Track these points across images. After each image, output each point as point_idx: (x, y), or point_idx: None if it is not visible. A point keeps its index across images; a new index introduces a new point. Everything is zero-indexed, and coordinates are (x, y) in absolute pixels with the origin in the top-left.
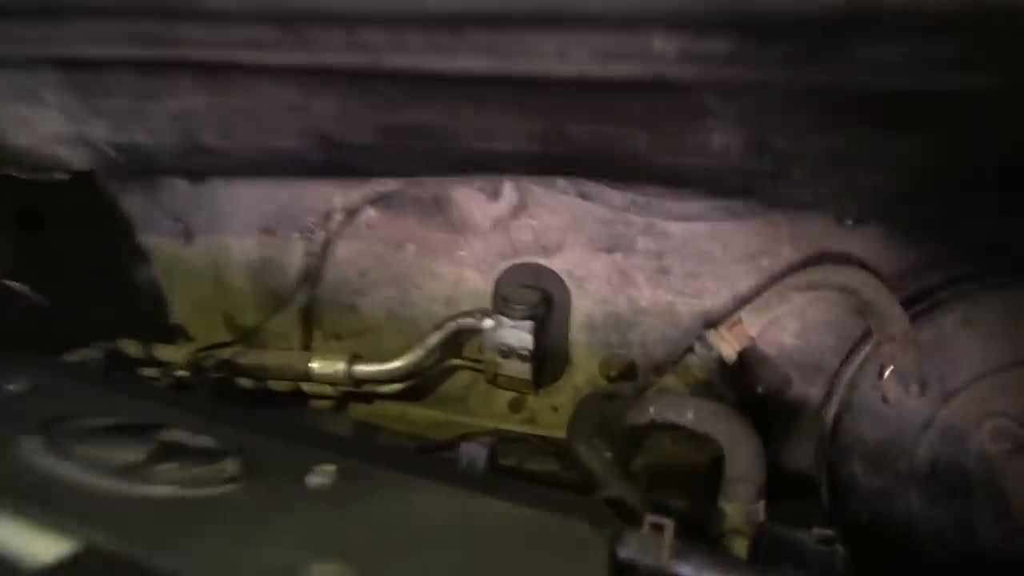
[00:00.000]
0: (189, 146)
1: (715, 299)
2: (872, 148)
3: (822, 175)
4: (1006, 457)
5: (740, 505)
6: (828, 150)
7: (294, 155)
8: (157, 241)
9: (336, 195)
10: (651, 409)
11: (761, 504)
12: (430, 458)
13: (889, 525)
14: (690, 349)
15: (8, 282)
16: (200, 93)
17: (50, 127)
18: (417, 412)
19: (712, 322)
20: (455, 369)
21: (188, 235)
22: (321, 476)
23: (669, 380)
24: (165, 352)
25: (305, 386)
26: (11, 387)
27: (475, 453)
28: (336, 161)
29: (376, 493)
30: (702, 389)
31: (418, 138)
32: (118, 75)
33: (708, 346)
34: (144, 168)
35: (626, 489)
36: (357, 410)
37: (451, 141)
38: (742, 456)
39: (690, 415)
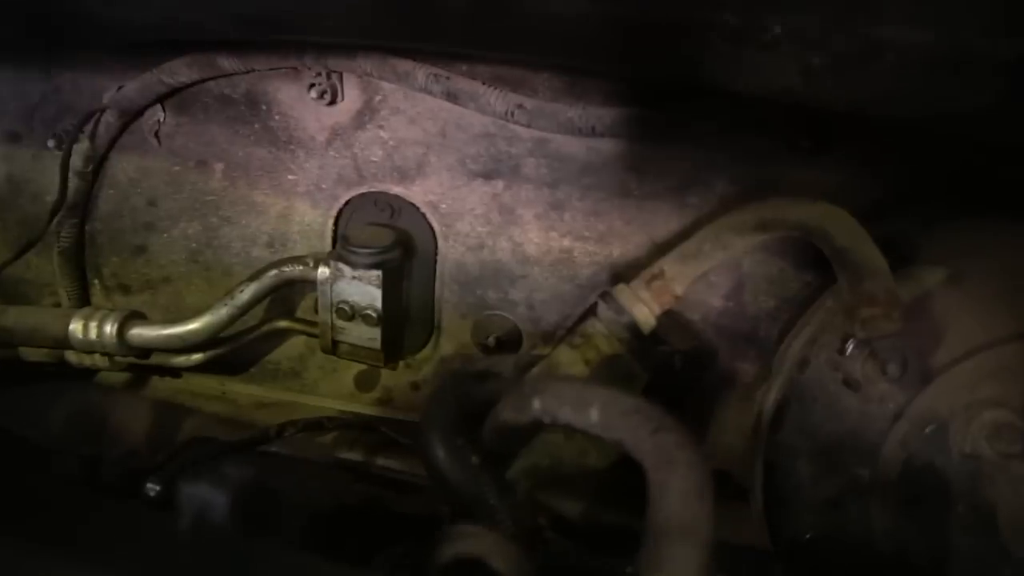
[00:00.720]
0: None
1: (626, 245)
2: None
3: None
4: (1002, 460)
5: None
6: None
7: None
8: None
9: (106, 86)
10: (535, 402)
11: None
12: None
13: (842, 546)
14: (592, 311)
15: None
16: None
17: None
18: (238, 388)
19: (621, 275)
20: (287, 334)
21: None
22: None
23: (563, 354)
24: None
25: (73, 356)
26: None
27: (206, 501)
28: (54, 10)
29: None
30: (608, 367)
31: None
32: None
33: (617, 307)
34: None
35: (497, 513)
36: (161, 385)
37: None
38: (679, 492)
39: (595, 415)
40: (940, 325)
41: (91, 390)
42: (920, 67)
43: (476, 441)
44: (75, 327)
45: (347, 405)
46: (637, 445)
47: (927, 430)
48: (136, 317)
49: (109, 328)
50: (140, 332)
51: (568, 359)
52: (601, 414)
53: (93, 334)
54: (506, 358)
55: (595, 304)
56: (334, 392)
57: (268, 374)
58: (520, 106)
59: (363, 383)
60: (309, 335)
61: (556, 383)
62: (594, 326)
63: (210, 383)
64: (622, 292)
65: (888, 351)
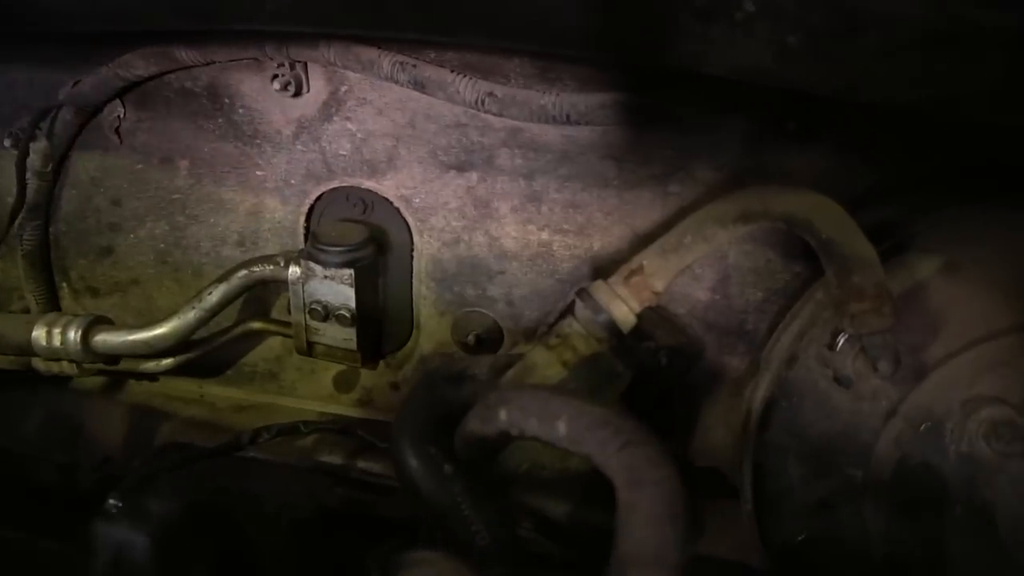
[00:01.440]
0: None
1: (607, 237)
2: None
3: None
4: (1001, 459)
5: None
6: None
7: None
8: None
9: (62, 81)
10: (501, 414)
11: None
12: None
13: (833, 549)
14: (569, 310)
15: None
16: None
17: None
18: (216, 391)
19: (603, 269)
20: (262, 336)
21: None
22: None
23: (539, 355)
24: None
25: (39, 363)
26: None
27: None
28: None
29: None
30: (587, 367)
31: None
32: None
33: (594, 305)
34: None
35: (472, 524)
36: (137, 388)
37: None
38: (647, 516)
39: (562, 428)
40: (934, 317)
41: (65, 395)
42: (908, 45)
43: (450, 448)
44: (38, 334)
45: (326, 406)
46: (605, 461)
47: (922, 428)
48: (101, 322)
49: (73, 335)
50: (105, 338)
51: (544, 360)
52: (568, 427)
53: (57, 341)
54: (482, 359)
55: (572, 302)
56: (313, 393)
57: (245, 376)
58: (491, 94)
59: (342, 384)
60: (284, 336)
61: (523, 394)
62: (571, 325)
63: (187, 386)
64: (599, 289)
65: (879, 347)
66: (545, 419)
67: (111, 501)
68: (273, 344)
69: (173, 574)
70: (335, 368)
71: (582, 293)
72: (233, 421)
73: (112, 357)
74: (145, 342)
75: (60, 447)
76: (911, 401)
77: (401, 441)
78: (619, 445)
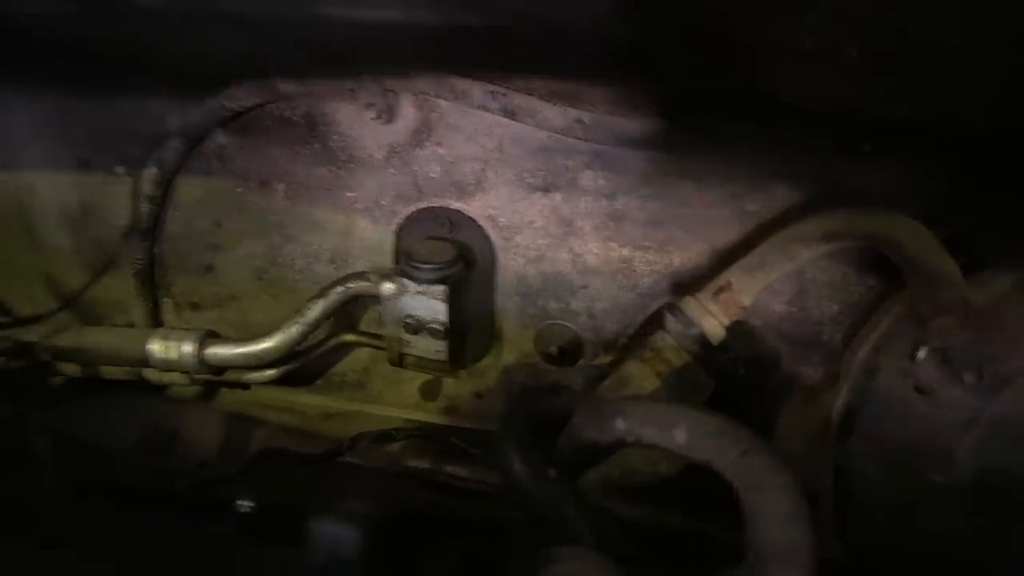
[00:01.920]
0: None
1: (686, 253)
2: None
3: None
4: None
5: None
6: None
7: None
8: None
9: (170, 112)
10: (618, 423)
11: None
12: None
13: (914, 551)
14: (657, 323)
15: None
16: None
17: None
18: (305, 399)
19: (682, 284)
20: (352, 347)
21: None
22: None
23: (632, 368)
24: None
25: (151, 373)
26: None
27: (340, 538)
28: (119, 41)
29: None
30: (677, 378)
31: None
32: None
33: (685, 319)
34: None
35: (577, 525)
36: (231, 397)
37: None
38: (776, 517)
39: (681, 437)
40: (1013, 331)
41: (163, 403)
42: (977, 76)
43: (551, 454)
44: (154, 347)
45: (412, 414)
46: (727, 467)
47: (1003, 436)
48: (212, 336)
49: (188, 348)
50: (216, 351)
51: (639, 372)
52: (688, 436)
53: (172, 354)
54: (574, 371)
55: (661, 316)
56: (398, 402)
57: (334, 385)
58: (579, 120)
59: (427, 393)
60: (376, 347)
61: (639, 404)
62: (663, 339)
63: (277, 394)
64: (690, 304)
65: (963, 358)
66: (664, 428)
67: (241, 502)
68: (361, 354)
69: None
70: (420, 378)
71: (673, 308)
72: (322, 428)
73: (220, 368)
74: (255, 355)
75: (158, 452)
76: (992, 410)
77: (506, 448)
78: (739, 452)
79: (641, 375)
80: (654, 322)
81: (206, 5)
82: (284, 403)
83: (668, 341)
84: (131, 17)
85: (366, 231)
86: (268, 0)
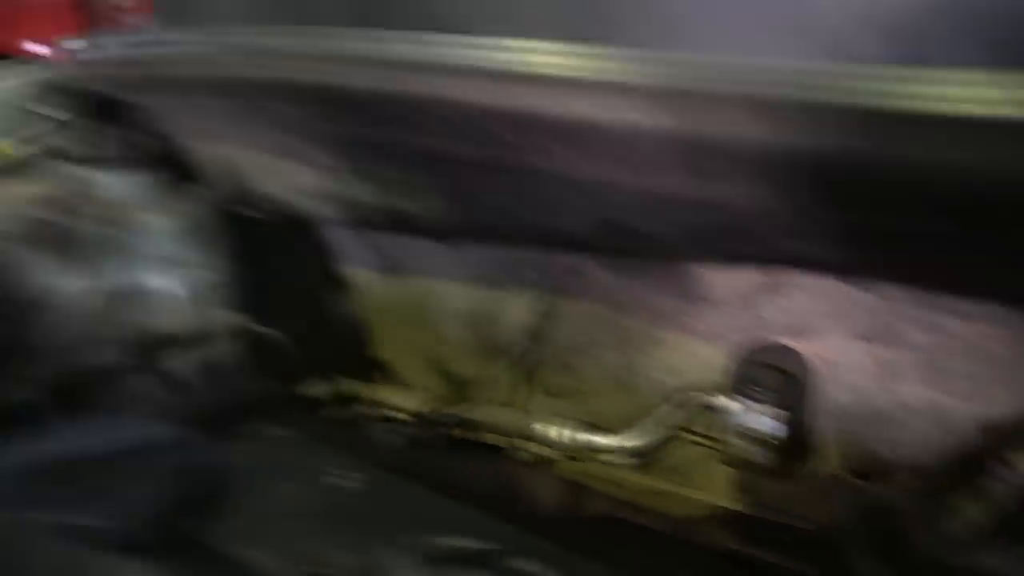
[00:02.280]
0: (457, 221)
1: (998, 407)
2: None
3: None
4: None
5: None
6: None
7: (568, 236)
8: (358, 272)
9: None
10: None
11: None
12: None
13: None
14: (982, 468)
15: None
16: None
17: (302, 180)
18: (633, 478)
19: (996, 432)
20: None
21: (393, 268)
22: None
23: (970, 508)
24: (388, 395)
25: (533, 447)
26: None
27: None
28: (606, 243)
29: None
30: (1007, 520)
31: (719, 235)
32: (399, 155)
33: (1013, 469)
34: (396, 225)
35: None
36: (564, 466)
37: (758, 242)
38: None
39: None
40: None
41: (507, 464)
42: None
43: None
44: (543, 428)
45: (729, 502)
46: None
47: None
48: (587, 424)
49: (568, 432)
50: (590, 438)
51: (974, 513)
52: None
53: (554, 434)
54: (905, 495)
55: (992, 466)
56: (713, 489)
57: (664, 470)
58: (915, 296)
59: (746, 489)
60: (712, 448)
61: None
62: (996, 486)
63: (606, 469)
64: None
65: None
66: None
67: None
68: (687, 447)
69: None
70: (740, 474)
71: (1003, 459)
72: (647, 502)
73: (585, 449)
74: (621, 448)
75: (497, 508)
76: None
77: (856, 551)
78: None
79: (977, 514)
80: (982, 468)
81: None
82: (612, 477)
83: (1000, 488)
84: None
85: (704, 354)
86: None
